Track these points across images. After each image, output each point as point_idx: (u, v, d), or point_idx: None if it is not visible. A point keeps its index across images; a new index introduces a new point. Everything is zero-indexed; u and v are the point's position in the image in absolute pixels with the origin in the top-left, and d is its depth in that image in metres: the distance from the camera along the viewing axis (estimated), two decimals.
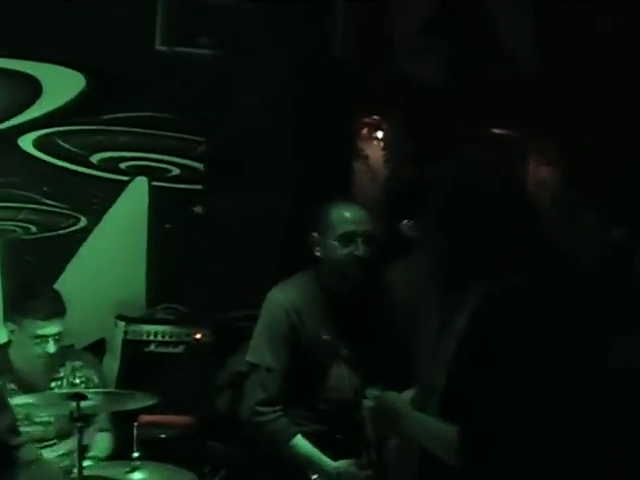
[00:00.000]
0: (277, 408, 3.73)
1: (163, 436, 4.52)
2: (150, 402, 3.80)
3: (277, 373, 3.71)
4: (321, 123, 4.91)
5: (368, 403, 2.99)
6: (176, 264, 5.24)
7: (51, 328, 4.15)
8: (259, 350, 3.77)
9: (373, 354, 3.54)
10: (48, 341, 4.15)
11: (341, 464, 3.67)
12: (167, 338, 5.07)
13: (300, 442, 3.72)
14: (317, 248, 3.72)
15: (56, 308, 4.21)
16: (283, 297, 3.75)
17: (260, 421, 3.71)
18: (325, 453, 3.72)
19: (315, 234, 3.73)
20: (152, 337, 5.05)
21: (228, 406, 4.57)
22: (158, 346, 5.05)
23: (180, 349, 5.08)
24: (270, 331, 3.74)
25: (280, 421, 3.72)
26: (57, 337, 4.15)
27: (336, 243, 3.64)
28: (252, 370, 3.75)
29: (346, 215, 3.68)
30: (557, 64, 4.85)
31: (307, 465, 3.68)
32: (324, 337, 3.67)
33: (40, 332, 4.15)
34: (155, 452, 3.85)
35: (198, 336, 5.08)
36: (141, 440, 3.77)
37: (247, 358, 3.77)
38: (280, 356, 3.71)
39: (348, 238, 3.65)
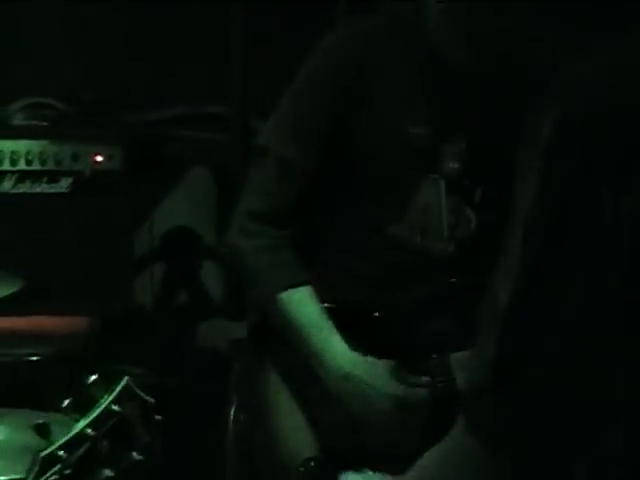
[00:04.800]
0: (282, 232, 2.73)
1: (32, 358, 3.48)
2: (5, 291, 3.11)
3: (298, 170, 2.72)
4: None
5: None
6: (47, 12, 4.06)
7: None
8: (277, 128, 2.77)
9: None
10: None
11: (375, 365, 2.58)
12: (36, 165, 3.78)
13: (300, 297, 2.69)
14: None
15: None
16: (341, 47, 2.75)
17: (242, 247, 2.72)
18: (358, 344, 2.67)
19: None
20: (7, 165, 3.77)
21: (155, 295, 4.02)
22: (18, 182, 3.79)
23: (62, 186, 3.79)
24: (304, 99, 2.74)
25: (279, 254, 2.73)
26: None
27: None
28: (259, 158, 2.79)
29: None
30: None
31: (300, 346, 2.64)
32: (411, 130, 2.61)
33: None
34: (9, 387, 3.13)
35: (98, 159, 3.77)
36: None
37: (258, 139, 2.81)
38: (311, 144, 2.71)
39: None
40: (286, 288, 2.62)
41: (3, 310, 3.21)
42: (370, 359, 2.56)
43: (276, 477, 2.67)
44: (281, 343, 2.70)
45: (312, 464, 2.52)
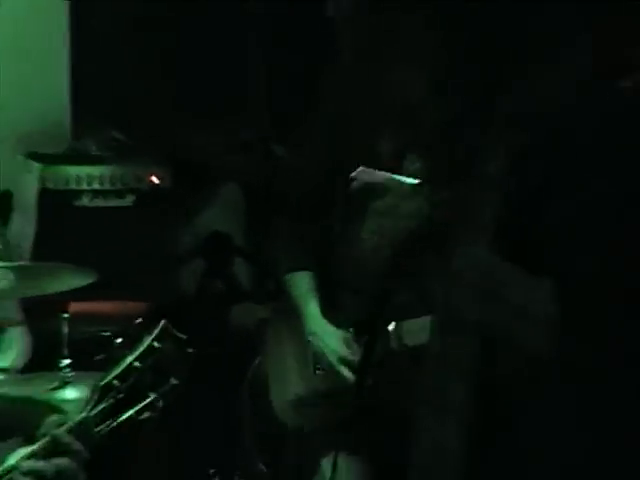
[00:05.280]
0: (299, 227, 3.39)
1: (105, 333, 3.96)
2: (84, 282, 3.40)
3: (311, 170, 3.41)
4: None
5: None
6: (113, 71, 4.65)
7: None
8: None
9: None
10: None
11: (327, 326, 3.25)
12: (106, 185, 4.51)
13: (297, 280, 3.38)
14: None
15: None
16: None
17: (272, 232, 3.52)
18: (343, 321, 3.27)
19: None
20: (84, 184, 4.48)
21: (199, 284, 4.38)
22: (93, 198, 4.48)
23: (127, 201, 4.51)
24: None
25: (288, 241, 3.43)
26: None
27: None
28: None
29: None
30: None
31: (296, 309, 3.37)
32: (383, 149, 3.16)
33: None
34: (93, 357, 3.54)
35: (153, 179, 4.48)
36: (73, 340, 3.43)
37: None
38: (313, 157, 3.39)
39: None
40: (289, 272, 3.35)
41: (80, 296, 3.59)
42: (330, 327, 3.21)
43: (273, 416, 3.33)
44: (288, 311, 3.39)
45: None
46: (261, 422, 3.65)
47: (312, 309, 3.28)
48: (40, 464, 2.12)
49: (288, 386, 3.41)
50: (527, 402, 2.06)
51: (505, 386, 2.09)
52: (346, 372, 3.16)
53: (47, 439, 2.15)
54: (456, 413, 2.11)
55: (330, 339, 3.23)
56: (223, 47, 4.82)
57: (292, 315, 3.39)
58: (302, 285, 3.35)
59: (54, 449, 2.15)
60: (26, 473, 2.09)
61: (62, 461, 2.13)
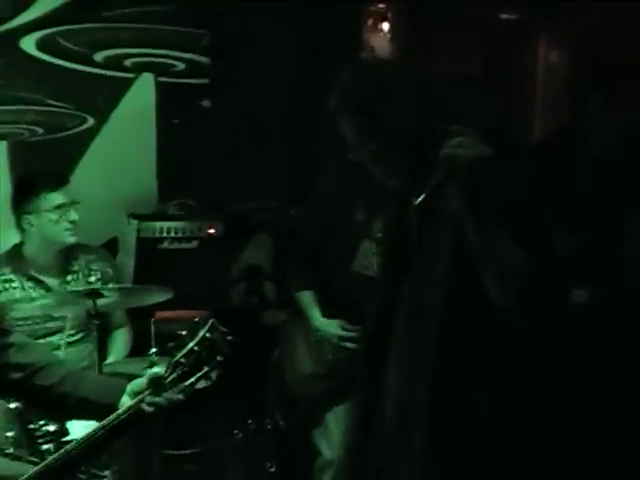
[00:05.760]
0: (306, 258, 3.95)
1: (180, 332, 4.47)
2: (165, 297, 3.92)
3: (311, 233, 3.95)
4: (326, 13, 4.86)
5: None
6: (185, 159, 5.25)
7: (65, 196, 4.24)
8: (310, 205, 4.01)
9: None
10: (69, 210, 4.23)
11: (326, 321, 3.87)
12: (180, 234, 5.06)
13: (304, 296, 3.93)
14: None
15: (60, 177, 4.33)
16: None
17: (288, 264, 4.02)
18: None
19: None
20: (165, 234, 5.04)
21: (242, 299, 4.90)
22: (171, 242, 5.04)
23: (193, 244, 5.06)
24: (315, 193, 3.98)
25: (298, 270, 3.97)
26: (74, 219, 4.23)
27: None
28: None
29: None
30: None
31: (305, 318, 3.91)
32: (358, 217, 3.78)
33: (58, 201, 4.22)
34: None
35: (211, 230, 5.08)
36: (158, 336, 3.81)
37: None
38: (315, 217, 3.95)
39: None
40: (299, 290, 4.02)
41: (161, 307, 4.17)
42: (329, 320, 3.81)
43: (289, 387, 3.98)
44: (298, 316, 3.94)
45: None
46: (280, 392, 4.16)
47: (315, 314, 3.96)
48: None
49: (299, 366, 4.01)
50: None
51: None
52: (349, 344, 3.75)
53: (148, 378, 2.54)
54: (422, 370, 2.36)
55: (331, 327, 3.88)
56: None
57: (301, 319, 4.02)
58: (307, 299, 4.04)
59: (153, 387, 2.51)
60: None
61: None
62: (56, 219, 4.20)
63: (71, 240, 4.25)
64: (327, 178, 3.91)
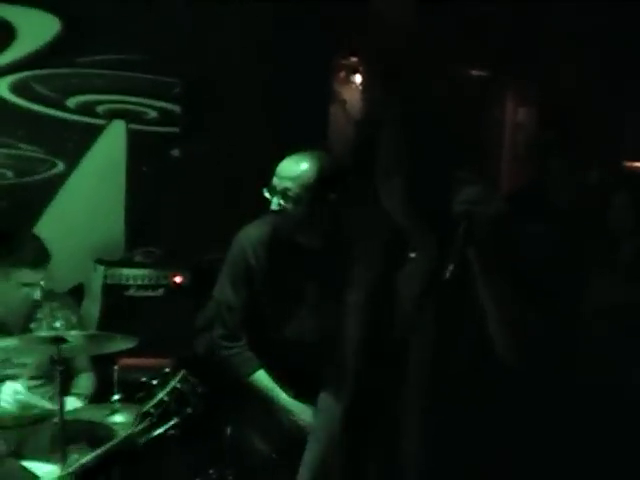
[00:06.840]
0: (241, 343, 3.75)
1: (143, 379, 4.15)
2: (130, 344, 3.80)
3: (236, 310, 3.74)
4: (298, 65, 4.93)
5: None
6: (154, 207, 5.31)
7: (39, 275, 4.16)
8: (221, 286, 3.80)
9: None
10: (36, 288, 4.15)
11: (296, 403, 3.72)
12: (146, 281, 5.09)
13: (261, 376, 3.74)
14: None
15: (43, 256, 4.20)
16: (245, 236, 3.77)
17: (223, 355, 3.74)
18: (288, 391, 3.76)
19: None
20: (131, 281, 5.07)
21: (206, 348, 4.46)
22: (138, 290, 5.07)
23: (159, 292, 5.09)
24: (230, 269, 3.78)
25: (242, 355, 3.75)
26: (42, 284, 4.16)
27: (267, 195, 3.66)
28: (217, 305, 3.80)
29: (278, 168, 3.67)
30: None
31: (267, 399, 3.73)
32: (288, 281, 3.69)
33: (28, 280, 4.14)
34: (135, 394, 3.71)
35: (177, 279, 5.11)
36: (121, 382, 3.79)
37: (213, 293, 3.82)
38: (239, 293, 3.74)
39: (273, 191, 3.65)
40: (252, 372, 3.73)
41: (126, 354, 3.92)
42: (297, 403, 3.65)
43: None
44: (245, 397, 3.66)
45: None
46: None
47: (282, 395, 3.72)
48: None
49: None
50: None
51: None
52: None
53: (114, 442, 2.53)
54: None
55: (306, 415, 3.62)
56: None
57: (258, 402, 3.74)
58: (265, 380, 3.75)
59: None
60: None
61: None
62: (18, 291, 4.15)
63: (39, 296, 4.20)
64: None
